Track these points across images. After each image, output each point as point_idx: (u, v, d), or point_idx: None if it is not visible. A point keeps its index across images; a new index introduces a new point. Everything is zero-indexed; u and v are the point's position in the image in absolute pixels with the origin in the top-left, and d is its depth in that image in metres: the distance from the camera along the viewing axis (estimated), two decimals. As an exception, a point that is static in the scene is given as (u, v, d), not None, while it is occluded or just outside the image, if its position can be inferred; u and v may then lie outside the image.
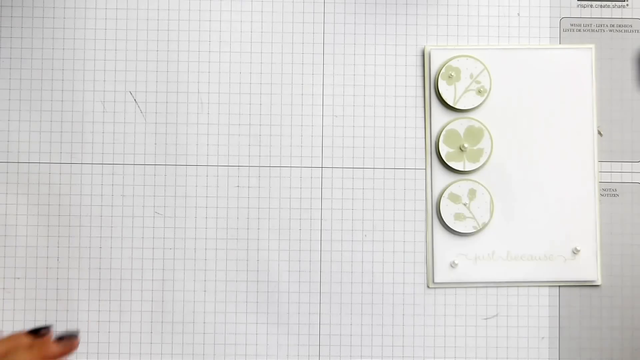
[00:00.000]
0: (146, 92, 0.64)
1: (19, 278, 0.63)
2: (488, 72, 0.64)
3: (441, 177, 0.64)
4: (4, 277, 0.63)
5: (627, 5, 0.66)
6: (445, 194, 0.64)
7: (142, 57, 0.65)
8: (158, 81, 0.65)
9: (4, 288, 0.63)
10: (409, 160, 0.65)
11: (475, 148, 0.64)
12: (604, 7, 0.66)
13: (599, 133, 0.65)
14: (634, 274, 0.65)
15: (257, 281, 0.64)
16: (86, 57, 0.64)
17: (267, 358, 0.64)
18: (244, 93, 0.65)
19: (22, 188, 0.64)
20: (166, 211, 0.64)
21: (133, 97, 0.64)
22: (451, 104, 0.64)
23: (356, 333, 0.64)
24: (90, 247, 0.64)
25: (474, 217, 0.64)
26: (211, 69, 0.65)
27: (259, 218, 0.64)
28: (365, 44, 0.65)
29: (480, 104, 0.64)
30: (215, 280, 0.64)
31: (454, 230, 0.64)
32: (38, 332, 0.52)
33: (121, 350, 0.63)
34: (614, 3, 0.66)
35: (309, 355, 0.64)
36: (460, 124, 0.64)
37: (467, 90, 0.64)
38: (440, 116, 0.65)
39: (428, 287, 0.64)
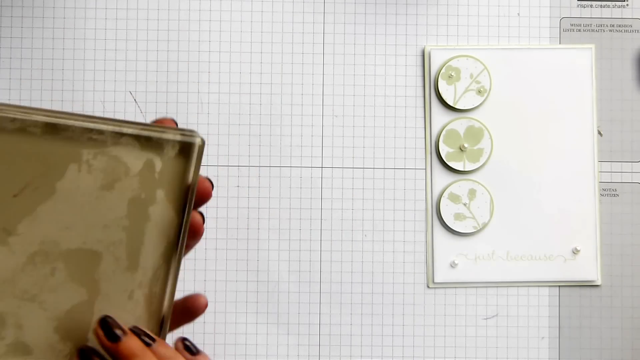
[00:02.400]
0: (146, 92, 0.64)
1: (19, 278, 0.63)
2: (488, 72, 0.64)
3: (441, 177, 0.64)
4: (4, 277, 0.63)
5: (627, 5, 0.66)
6: (445, 194, 0.64)
7: (142, 57, 0.65)
8: (158, 81, 0.65)
9: (4, 288, 0.63)
10: (409, 160, 0.65)
11: (475, 148, 0.64)
12: (604, 7, 0.66)
13: (599, 133, 0.65)
14: (634, 274, 0.65)
15: (257, 281, 0.64)
16: (86, 57, 0.64)
17: (267, 358, 0.64)
18: (244, 93, 0.65)
19: (22, 188, 0.64)
20: (166, 211, 0.64)
21: (133, 97, 0.64)
22: (451, 104, 0.64)
23: (356, 333, 0.64)
24: (90, 247, 0.63)
25: (474, 217, 0.64)
26: (211, 69, 0.65)
27: (259, 218, 0.64)
28: (365, 44, 0.65)
29: (480, 104, 0.64)
30: (215, 280, 0.64)
31: (454, 230, 0.64)
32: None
33: (121, 350, 0.63)
34: (614, 3, 0.66)
35: (309, 355, 0.64)
36: (460, 124, 0.64)
37: (467, 90, 0.64)
38: (440, 116, 0.65)
39: (428, 287, 0.64)
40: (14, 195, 0.33)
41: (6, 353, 0.33)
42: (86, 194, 0.35)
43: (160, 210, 0.37)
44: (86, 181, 0.35)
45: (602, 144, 0.65)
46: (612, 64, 0.65)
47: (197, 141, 0.37)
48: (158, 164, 0.37)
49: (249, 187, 0.64)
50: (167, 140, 0.36)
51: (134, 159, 0.36)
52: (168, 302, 0.38)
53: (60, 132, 0.33)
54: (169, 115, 0.44)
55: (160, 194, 0.37)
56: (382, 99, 0.65)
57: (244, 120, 0.65)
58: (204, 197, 0.39)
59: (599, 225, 0.64)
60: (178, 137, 0.37)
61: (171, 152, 0.37)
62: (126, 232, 0.36)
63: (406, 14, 0.66)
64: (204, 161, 0.64)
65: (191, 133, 0.37)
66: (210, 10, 0.65)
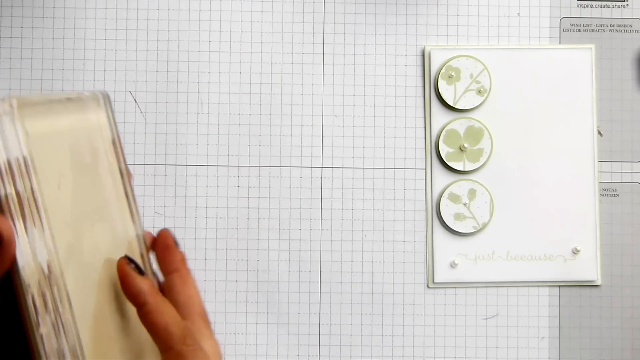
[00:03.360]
0: (146, 92, 0.64)
1: (19, 278, 0.63)
2: (488, 72, 0.64)
3: (441, 177, 0.64)
4: (4, 277, 0.63)
5: (627, 5, 0.66)
6: (445, 194, 0.64)
7: (142, 57, 0.65)
8: (158, 81, 0.65)
9: (4, 288, 0.63)
10: (409, 160, 0.65)
11: (475, 148, 0.64)
12: (604, 7, 0.66)
13: (599, 133, 0.65)
14: (634, 274, 0.65)
15: (257, 281, 0.64)
16: (86, 57, 0.64)
17: (267, 358, 0.64)
18: (244, 93, 0.65)
19: (22, 188, 0.64)
20: (166, 211, 0.64)
21: (133, 97, 0.64)
22: (451, 104, 0.64)
23: (356, 333, 0.64)
24: (90, 247, 0.63)
25: (474, 217, 0.64)
26: (211, 69, 0.65)
27: (259, 218, 0.64)
28: (365, 44, 0.65)
29: (480, 104, 0.64)
30: (215, 280, 0.64)
31: (454, 230, 0.64)
32: None
33: (121, 350, 0.63)
34: (614, 3, 0.66)
35: (309, 355, 0.64)
36: (460, 124, 0.64)
37: (467, 90, 0.64)
38: (440, 116, 0.65)
39: (428, 287, 0.64)
40: (58, 188, 0.35)
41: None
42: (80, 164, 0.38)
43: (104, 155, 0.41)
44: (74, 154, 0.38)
45: (602, 144, 0.65)
46: (612, 64, 0.65)
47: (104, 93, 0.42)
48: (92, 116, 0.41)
49: (249, 187, 0.64)
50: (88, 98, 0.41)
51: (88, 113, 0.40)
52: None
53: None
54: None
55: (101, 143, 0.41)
56: (382, 99, 0.65)
57: (244, 120, 0.65)
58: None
59: (599, 225, 0.64)
60: (96, 94, 0.41)
61: (93, 104, 0.41)
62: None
63: (406, 14, 0.66)
64: (204, 161, 0.64)
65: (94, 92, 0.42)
66: (210, 10, 0.65)
